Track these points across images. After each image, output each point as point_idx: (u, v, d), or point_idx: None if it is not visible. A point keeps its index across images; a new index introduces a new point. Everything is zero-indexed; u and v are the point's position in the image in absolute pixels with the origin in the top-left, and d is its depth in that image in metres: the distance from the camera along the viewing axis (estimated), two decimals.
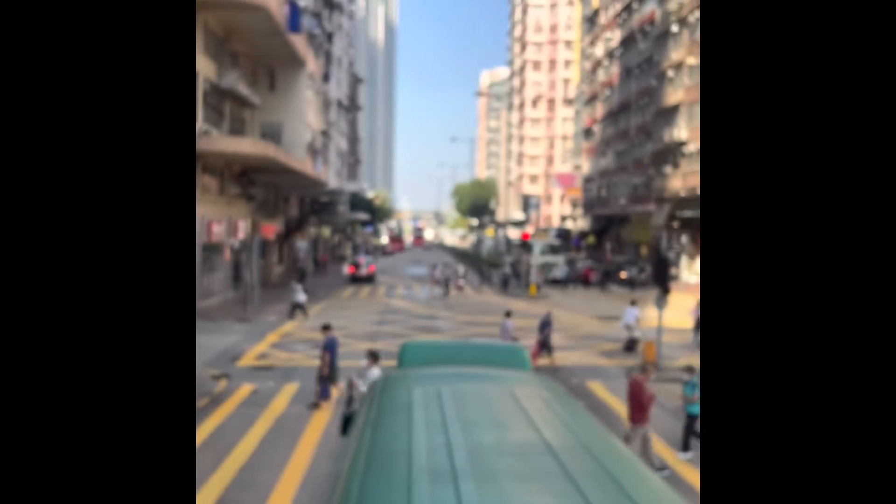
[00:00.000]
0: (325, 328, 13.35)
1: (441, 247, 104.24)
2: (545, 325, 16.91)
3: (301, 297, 24.25)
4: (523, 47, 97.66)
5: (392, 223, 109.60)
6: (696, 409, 10.31)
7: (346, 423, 5.58)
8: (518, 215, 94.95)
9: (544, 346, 16.90)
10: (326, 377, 12.76)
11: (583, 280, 40.26)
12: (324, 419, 11.84)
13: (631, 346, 19.19)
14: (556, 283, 39.66)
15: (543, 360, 16.70)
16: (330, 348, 12.86)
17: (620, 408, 12.77)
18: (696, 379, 10.36)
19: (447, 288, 35.34)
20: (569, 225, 74.72)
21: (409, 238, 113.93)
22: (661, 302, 16.94)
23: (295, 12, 30.50)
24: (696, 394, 10.23)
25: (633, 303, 19.90)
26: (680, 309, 23.48)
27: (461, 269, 38.83)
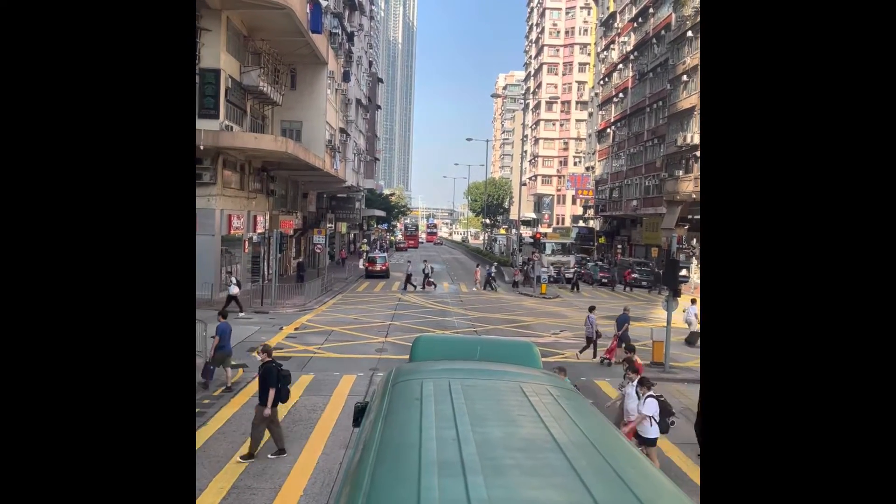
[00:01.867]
0: (221, 315, 14.14)
1: (460, 244, 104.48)
2: (623, 321, 17.57)
3: (234, 289, 23.93)
4: (539, 50, 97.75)
5: (407, 220, 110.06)
6: None
7: (359, 414, 5.81)
8: (531, 215, 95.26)
9: (622, 342, 17.30)
10: (210, 360, 13.45)
11: (624, 281, 41.16)
12: (336, 410, 11.95)
13: (692, 340, 20.08)
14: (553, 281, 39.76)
15: (621, 355, 17.15)
16: (220, 334, 13.44)
17: None
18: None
19: (409, 283, 35.35)
20: (582, 224, 74.87)
21: (423, 235, 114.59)
22: (670, 303, 17.09)
23: (317, 12, 30.88)
24: None
25: (693, 301, 21.02)
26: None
27: (429, 266, 38.46)
